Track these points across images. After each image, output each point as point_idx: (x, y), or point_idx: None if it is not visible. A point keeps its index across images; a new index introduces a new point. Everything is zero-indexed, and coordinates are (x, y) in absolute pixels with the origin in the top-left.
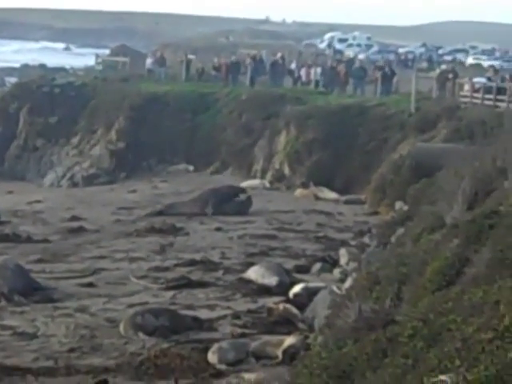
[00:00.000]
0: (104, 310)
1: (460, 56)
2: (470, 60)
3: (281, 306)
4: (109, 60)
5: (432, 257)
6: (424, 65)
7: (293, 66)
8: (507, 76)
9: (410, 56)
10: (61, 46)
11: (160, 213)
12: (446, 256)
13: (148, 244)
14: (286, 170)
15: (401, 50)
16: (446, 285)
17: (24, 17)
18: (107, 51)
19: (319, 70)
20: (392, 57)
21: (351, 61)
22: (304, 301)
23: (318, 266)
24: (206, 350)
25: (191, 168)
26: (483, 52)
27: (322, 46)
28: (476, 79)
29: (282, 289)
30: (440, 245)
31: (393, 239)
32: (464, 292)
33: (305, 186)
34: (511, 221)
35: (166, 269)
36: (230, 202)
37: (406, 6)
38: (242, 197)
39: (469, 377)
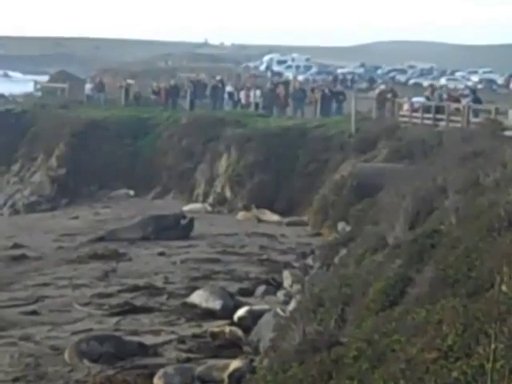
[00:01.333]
0: (48, 337)
1: (399, 76)
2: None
3: (226, 330)
4: (48, 86)
5: (375, 277)
6: (363, 85)
7: (231, 88)
8: (445, 95)
9: (349, 76)
10: None
11: (102, 239)
12: (389, 276)
13: (91, 270)
14: (228, 193)
15: (339, 71)
16: (389, 305)
17: None
18: (46, 77)
19: (258, 92)
20: (331, 77)
21: (289, 82)
22: (249, 324)
23: (261, 288)
24: (152, 375)
25: (132, 193)
26: (422, 71)
27: (261, 68)
28: (415, 99)
29: (226, 312)
30: (383, 265)
31: (336, 260)
32: (407, 312)
33: (247, 208)
34: (452, 240)
35: (110, 295)
36: (171, 227)
37: (344, 27)
38: (184, 221)
39: None
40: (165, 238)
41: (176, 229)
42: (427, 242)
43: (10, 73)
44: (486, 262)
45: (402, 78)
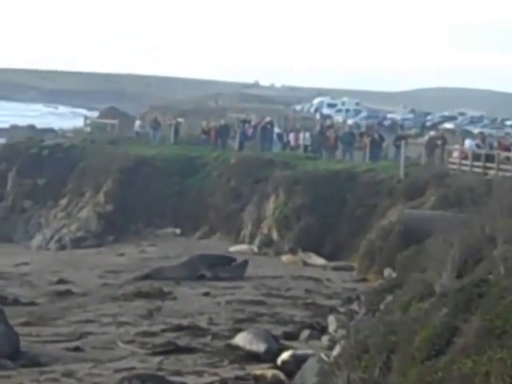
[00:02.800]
0: (91, 374)
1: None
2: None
3: (269, 373)
4: (98, 122)
5: (421, 325)
6: (413, 131)
7: (279, 130)
8: (495, 143)
9: (401, 122)
10: (50, 107)
11: (148, 276)
12: (435, 325)
13: (135, 308)
14: (275, 236)
15: (389, 116)
16: (435, 354)
17: (13, 77)
18: (96, 113)
19: (308, 134)
20: (382, 122)
21: (340, 126)
22: (292, 368)
23: (306, 332)
24: None
25: (178, 232)
26: (471, 119)
27: (311, 110)
28: (466, 141)
29: (270, 356)
30: (429, 313)
31: (381, 307)
32: (453, 362)
33: (293, 251)
34: (500, 290)
35: (154, 334)
36: (224, 267)
37: (395, 71)
38: (237, 262)
39: None
40: (217, 278)
41: (229, 269)
42: (475, 291)
43: (60, 107)
44: None
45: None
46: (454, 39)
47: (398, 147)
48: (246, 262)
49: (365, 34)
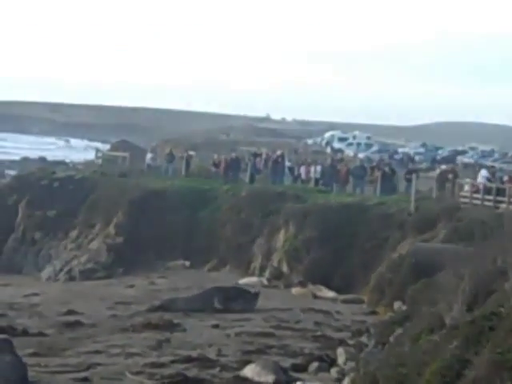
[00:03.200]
0: None
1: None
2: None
3: None
4: (109, 154)
5: (431, 358)
6: (424, 165)
7: (290, 163)
8: (506, 177)
9: (413, 156)
10: (62, 140)
11: (160, 308)
12: (446, 357)
13: (144, 340)
14: (285, 268)
15: (400, 150)
16: None
17: (24, 110)
18: (107, 146)
19: (319, 168)
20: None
21: (351, 160)
22: None
23: (315, 364)
24: None
25: (188, 264)
26: (482, 153)
27: (323, 144)
28: (483, 172)
29: None
30: (439, 346)
31: (391, 339)
32: None
33: (303, 284)
34: (511, 323)
35: (162, 365)
36: (237, 299)
37: (406, 106)
38: (249, 294)
39: None
40: (229, 310)
41: (241, 301)
42: (485, 324)
43: (72, 140)
44: None
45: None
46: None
47: (408, 181)
48: (257, 294)
49: (374, 69)
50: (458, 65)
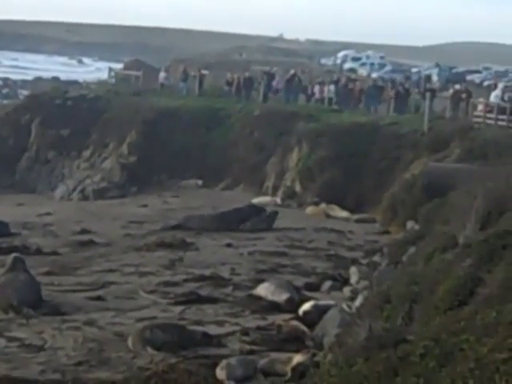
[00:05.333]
0: (112, 323)
1: (474, 77)
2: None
3: (290, 324)
4: (122, 74)
5: (444, 276)
6: (437, 84)
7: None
8: None
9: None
10: (74, 59)
11: (178, 226)
12: (459, 275)
13: (158, 259)
14: (298, 188)
15: (414, 70)
16: (458, 304)
17: (38, 30)
18: (120, 65)
19: (332, 87)
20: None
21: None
22: (314, 319)
23: (328, 284)
24: (215, 366)
25: (201, 183)
26: (496, 73)
27: (337, 62)
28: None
29: (291, 306)
30: (452, 264)
31: (404, 258)
32: (477, 312)
33: (316, 203)
34: None
35: (176, 284)
36: (254, 219)
37: (420, 26)
38: (266, 213)
39: None
40: (249, 229)
41: (259, 220)
42: (498, 242)
43: (85, 59)
44: None
45: (476, 79)
46: None
47: (425, 99)
48: (275, 214)
49: None
50: None
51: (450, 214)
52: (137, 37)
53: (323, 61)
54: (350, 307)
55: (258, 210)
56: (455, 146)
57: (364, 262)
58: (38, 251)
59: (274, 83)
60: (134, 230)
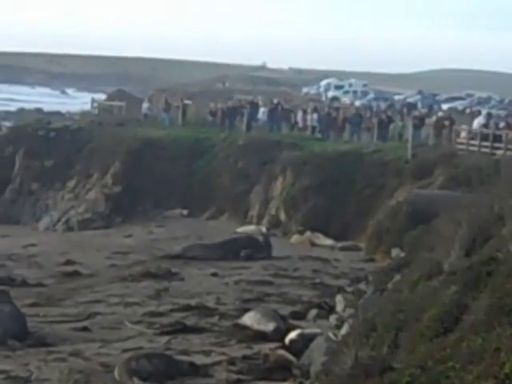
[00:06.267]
0: (98, 354)
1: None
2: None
3: (276, 353)
4: (105, 104)
5: (429, 303)
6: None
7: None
8: (503, 123)
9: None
10: (57, 90)
11: (178, 256)
12: (444, 302)
13: (143, 289)
14: (282, 216)
15: (397, 98)
16: (443, 332)
17: (20, 60)
18: (104, 96)
19: (316, 116)
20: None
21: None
22: (300, 347)
23: (314, 312)
24: None
25: (186, 213)
26: (479, 100)
27: (321, 91)
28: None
29: (277, 335)
30: (438, 291)
31: (389, 286)
32: (463, 339)
33: (301, 232)
34: (509, 268)
35: (161, 314)
36: (254, 248)
37: (402, 53)
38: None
39: None
40: (251, 258)
41: (259, 250)
42: (483, 269)
43: (68, 90)
44: None
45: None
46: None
47: (416, 127)
48: (269, 244)
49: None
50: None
51: (435, 241)
52: (119, 67)
53: (306, 89)
54: (336, 335)
55: (254, 239)
56: (439, 173)
57: (349, 289)
58: (24, 283)
59: (260, 115)
60: (119, 260)
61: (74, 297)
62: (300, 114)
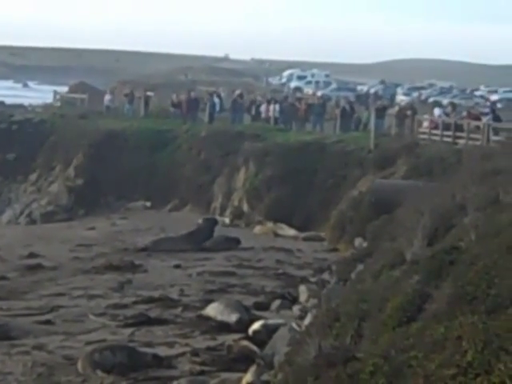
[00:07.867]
0: (62, 347)
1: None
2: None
3: (240, 343)
4: (67, 97)
5: (392, 293)
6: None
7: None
8: (464, 113)
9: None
10: (19, 83)
11: (145, 249)
12: (407, 292)
13: (106, 281)
14: (245, 207)
15: (359, 88)
16: (406, 321)
17: None
18: (66, 88)
19: (278, 106)
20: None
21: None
22: (264, 338)
23: (277, 302)
24: None
25: (149, 205)
26: (441, 89)
27: (282, 81)
28: (435, 110)
29: (241, 326)
30: (400, 281)
31: (353, 276)
32: (425, 328)
33: (263, 223)
34: (471, 257)
35: (125, 306)
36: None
37: (364, 43)
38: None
39: None
40: (216, 249)
41: (225, 241)
42: (446, 258)
43: (30, 83)
44: (505, 280)
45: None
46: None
47: (379, 117)
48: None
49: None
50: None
51: (398, 230)
52: (82, 59)
53: (269, 80)
54: (299, 326)
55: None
56: (401, 162)
57: (313, 280)
58: None
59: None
60: (82, 253)
61: (37, 290)
62: (263, 106)
